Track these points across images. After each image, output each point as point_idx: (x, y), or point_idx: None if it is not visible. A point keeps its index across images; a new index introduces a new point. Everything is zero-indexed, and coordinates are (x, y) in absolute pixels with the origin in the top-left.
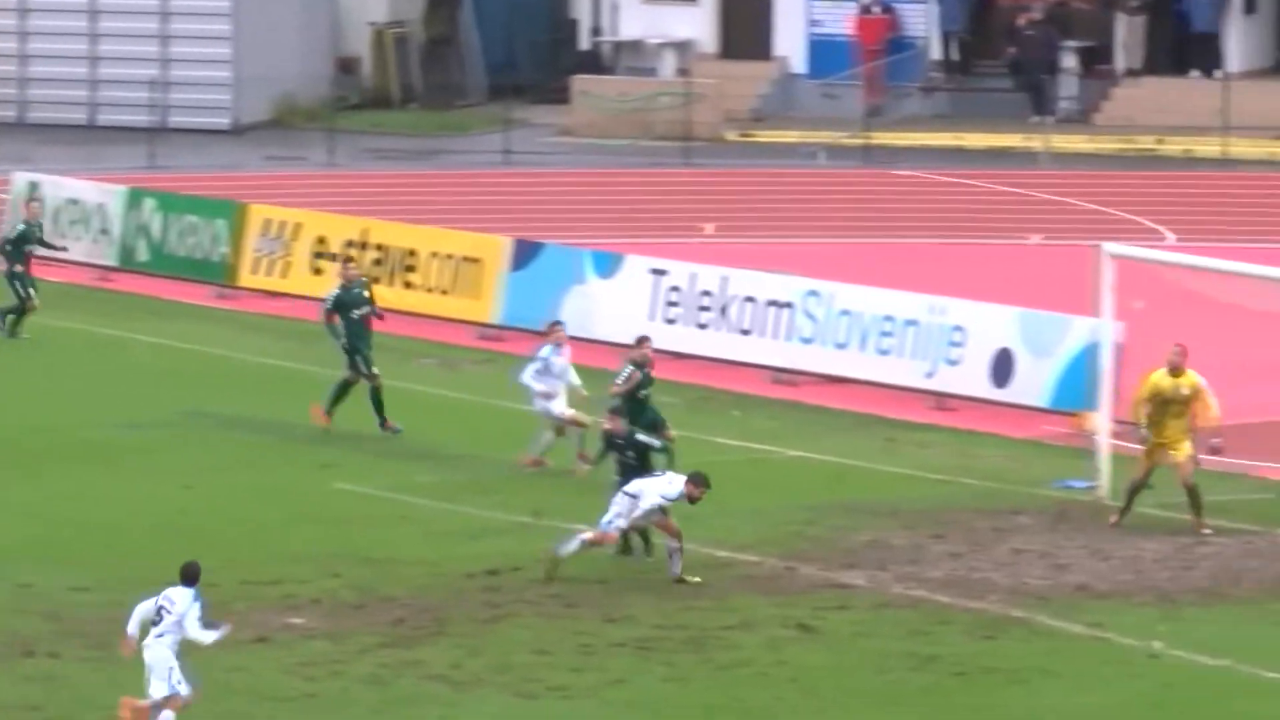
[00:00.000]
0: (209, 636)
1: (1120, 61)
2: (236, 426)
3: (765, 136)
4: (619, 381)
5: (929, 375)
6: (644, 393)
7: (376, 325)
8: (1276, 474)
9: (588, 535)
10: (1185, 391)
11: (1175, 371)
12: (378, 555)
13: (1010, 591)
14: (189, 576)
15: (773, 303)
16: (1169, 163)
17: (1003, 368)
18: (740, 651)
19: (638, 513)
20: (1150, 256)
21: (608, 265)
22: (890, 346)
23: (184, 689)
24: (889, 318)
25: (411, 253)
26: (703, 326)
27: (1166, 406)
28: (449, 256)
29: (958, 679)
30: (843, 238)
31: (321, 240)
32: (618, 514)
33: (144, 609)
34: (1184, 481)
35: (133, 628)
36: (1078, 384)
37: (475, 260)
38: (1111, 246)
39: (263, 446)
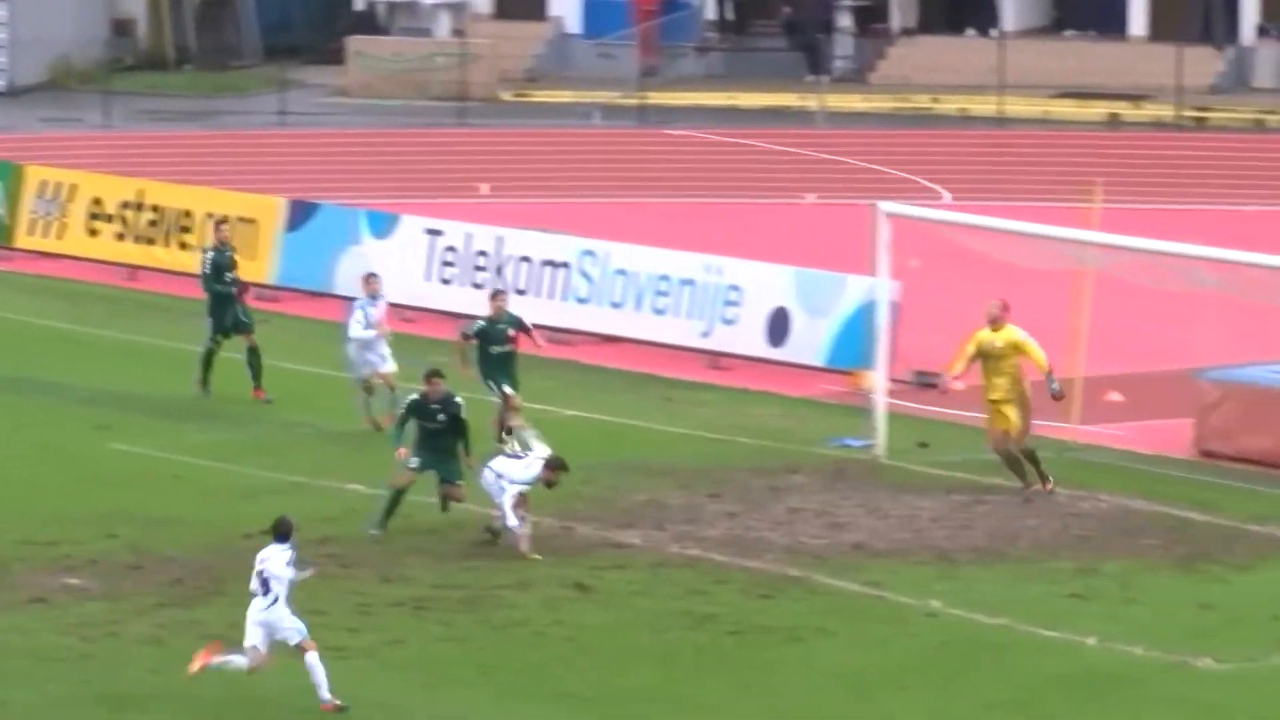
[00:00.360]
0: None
1: (895, 20)
2: (11, 388)
3: (541, 96)
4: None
5: (705, 335)
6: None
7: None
8: (1053, 432)
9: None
10: (999, 345)
11: (994, 325)
12: (155, 515)
13: (787, 550)
14: (284, 532)
15: (548, 263)
16: (945, 121)
17: (779, 327)
18: (517, 611)
19: (500, 492)
20: (926, 215)
21: (383, 226)
22: (666, 306)
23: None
24: (665, 277)
25: (187, 214)
26: (479, 286)
27: (988, 362)
28: (225, 218)
29: (734, 638)
30: (618, 197)
31: (97, 201)
32: (509, 503)
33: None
34: (1019, 449)
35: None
36: (854, 343)
37: (251, 221)
38: (887, 205)
39: (38, 408)
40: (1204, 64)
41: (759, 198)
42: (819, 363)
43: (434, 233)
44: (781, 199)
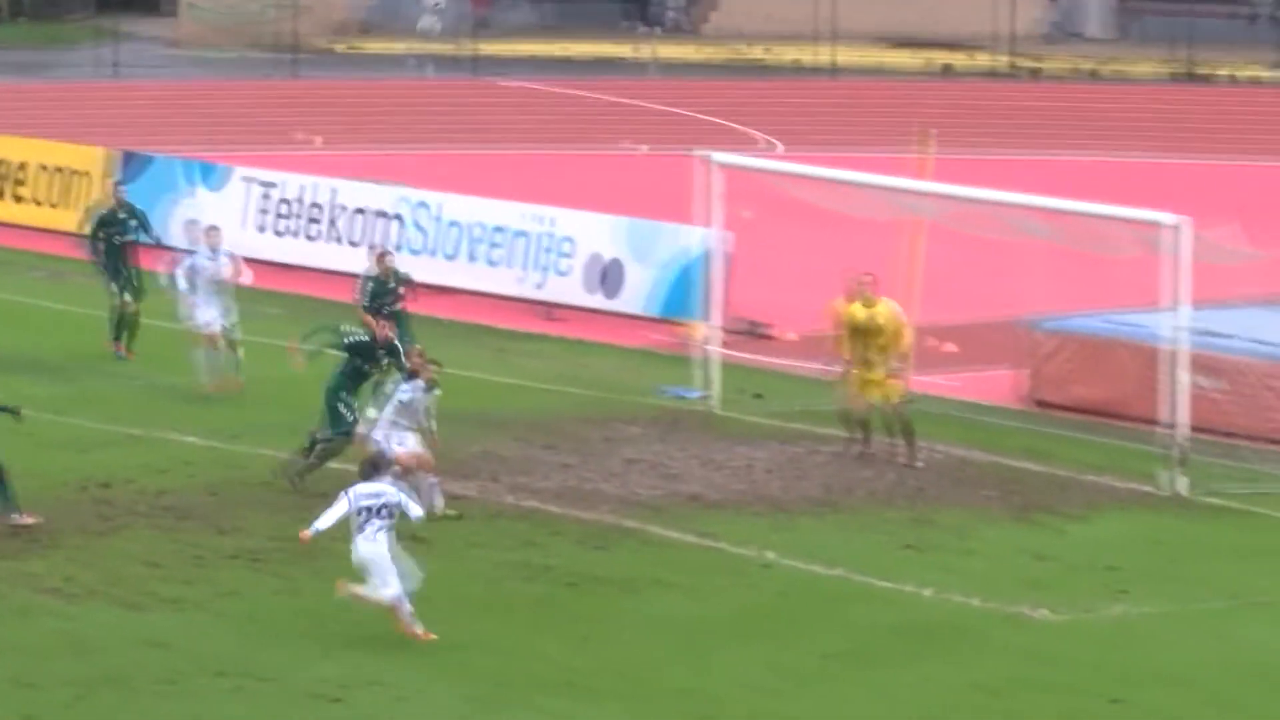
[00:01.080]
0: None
1: None
2: None
3: (373, 48)
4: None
5: (538, 286)
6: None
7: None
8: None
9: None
10: (879, 322)
11: (867, 303)
12: None
13: (622, 501)
14: (381, 468)
15: (382, 214)
16: (778, 72)
17: (611, 278)
18: (350, 562)
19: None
20: (758, 165)
21: (216, 177)
22: (499, 257)
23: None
24: (498, 229)
25: (21, 166)
26: (312, 238)
27: (863, 336)
28: (57, 169)
29: (570, 589)
30: (451, 149)
31: None
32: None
33: (340, 513)
34: (896, 415)
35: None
36: (686, 294)
37: (83, 173)
38: (720, 156)
39: None
40: (1034, 12)
41: (591, 149)
42: (652, 313)
43: (267, 184)
44: (614, 150)
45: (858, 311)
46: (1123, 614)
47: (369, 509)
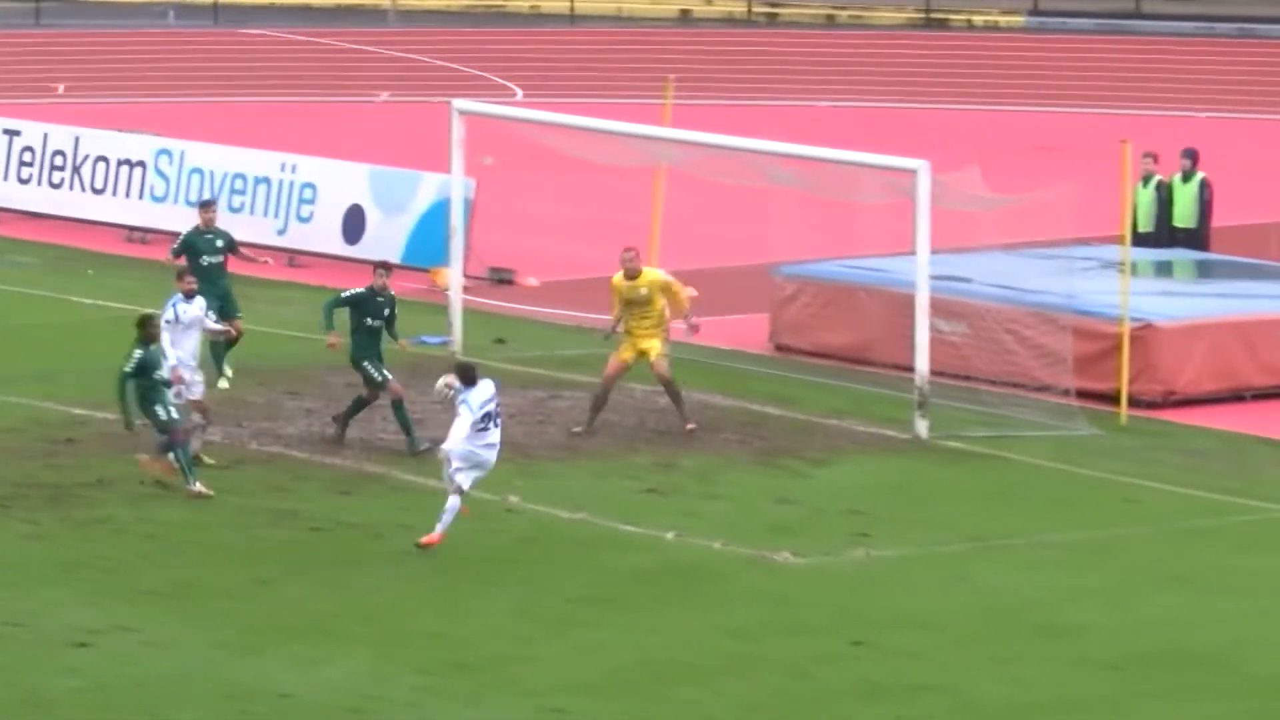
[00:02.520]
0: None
1: None
2: None
3: None
4: None
5: (281, 232)
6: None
7: None
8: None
9: None
10: (644, 292)
11: (630, 274)
12: None
13: (366, 447)
14: (476, 372)
15: (125, 162)
16: (516, 19)
17: (354, 224)
18: (100, 509)
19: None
20: (499, 112)
21: None
22: (242, 204)
23: None
24: (240, 175)
25: None
26: (56, 186)
27: (634, 307)
28: None
29: (316, 534)
30: (194, 97)
31: None
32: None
33: (468, 423)
34: (661, 378)
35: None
36: (430, 240)
37: None
38: (461, 103)
39: None
40: None
41: (333, 96)
42: (395, 260)
43: (11, 133)
44: (355, 97)
45: (624, 284)
46: (865, 557)
47: (488, 413)
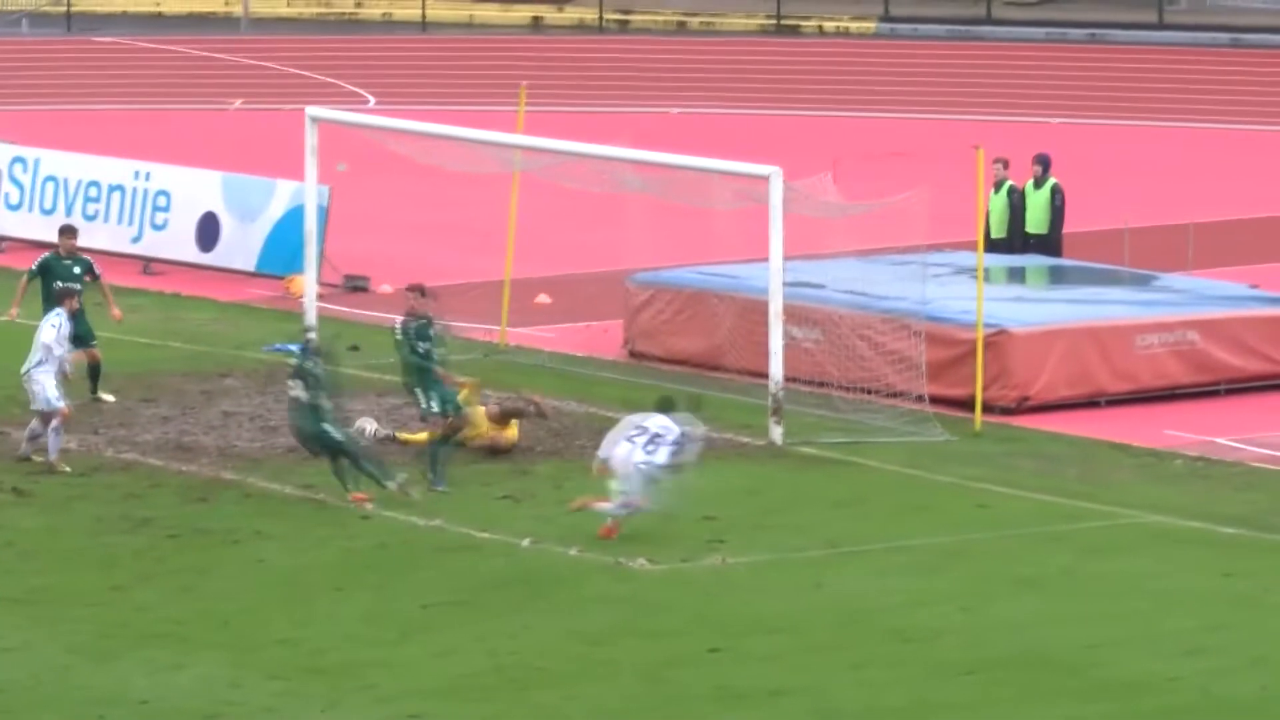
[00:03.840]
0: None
1: None
2: None
3: None
4: None
5: (136, 240)
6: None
7: None
8: (481, 335)
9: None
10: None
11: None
12: None
13: (222, 454)
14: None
15: None
16: (368, 27)
17: (208, 232)
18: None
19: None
20: (352, 120)
21: None
22: (97, 211)
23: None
24: (95, 183)
25: None
26: None
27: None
28: None
29: (172, 540)
30: (48, 105)
31: None
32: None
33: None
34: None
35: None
36: (284, 247)
37: None
38: (314, 110)
39: None
40: None
41: (186, 104)
42: (250, 267)
43: None
44: (208, 105)
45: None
46: (720, 563)
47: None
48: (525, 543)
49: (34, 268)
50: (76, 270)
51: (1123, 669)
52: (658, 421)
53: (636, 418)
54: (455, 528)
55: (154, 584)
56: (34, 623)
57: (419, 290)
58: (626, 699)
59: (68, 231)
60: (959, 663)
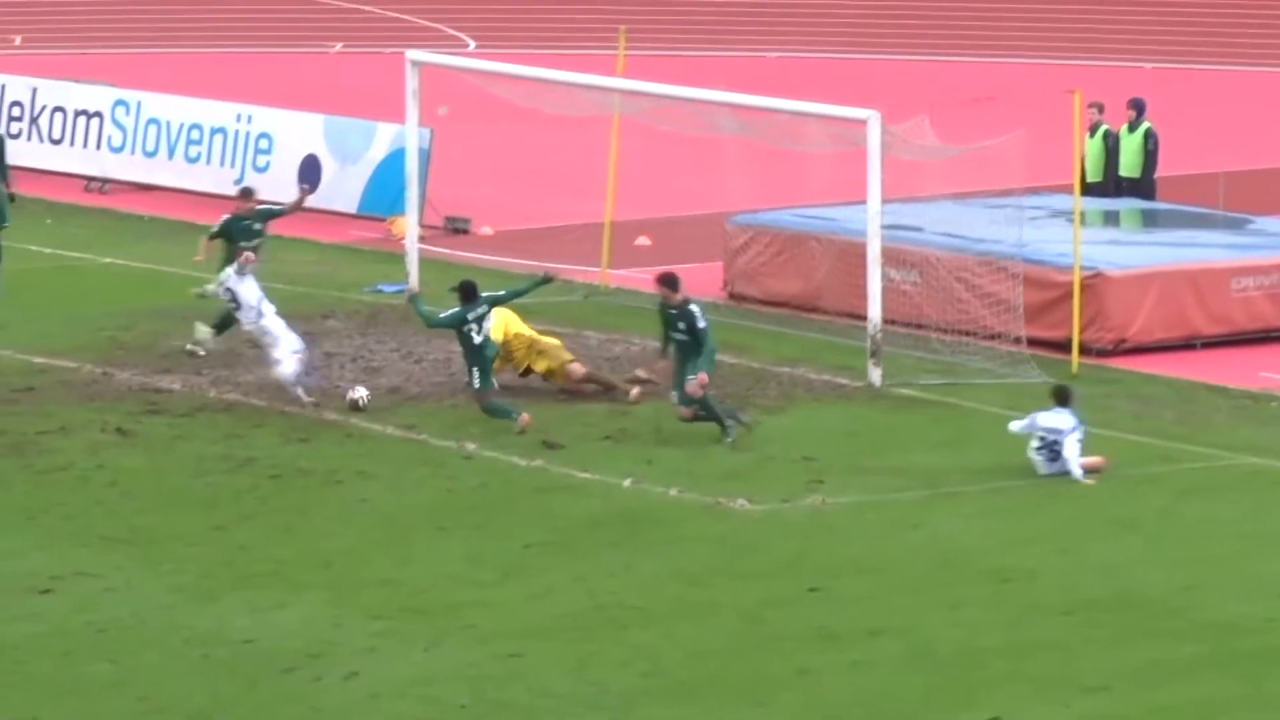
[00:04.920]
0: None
1: None
2: None
3: None
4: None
5: (238, 182)
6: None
7: None
8: (582, 276)
9: None
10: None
11: None
12: None
13: (324, 394)
14: (1065, 398)
15: (82, 112)
16: None
17: (310, 174)
18: (60, 456)
19: None
20: (454, 63)
21: None
22: (199, 154)
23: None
24: (197, 125)
25: None
26: (14, 136)
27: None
28: None
29: (274, 481)
30: (151, 48)
31: None
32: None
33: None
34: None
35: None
36: (386, 189)
37: None
38: (415, 53)
39: None
40: None
41: (287, 47)
42: (352, 209)
43: None
44: (309, 48)
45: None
46: (819, 504)
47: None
48: (625, 483)
49: (216, 228)
50: (256, 227)
51: (1218, 610)
52: (1054, 420)
53: (1043, 420)
54: (556, 468)
55: (256, 524)
56: (137, 562)
57: (670, 283)
58: (725, 638)
59: (247, 194)
60: (1055, 603)
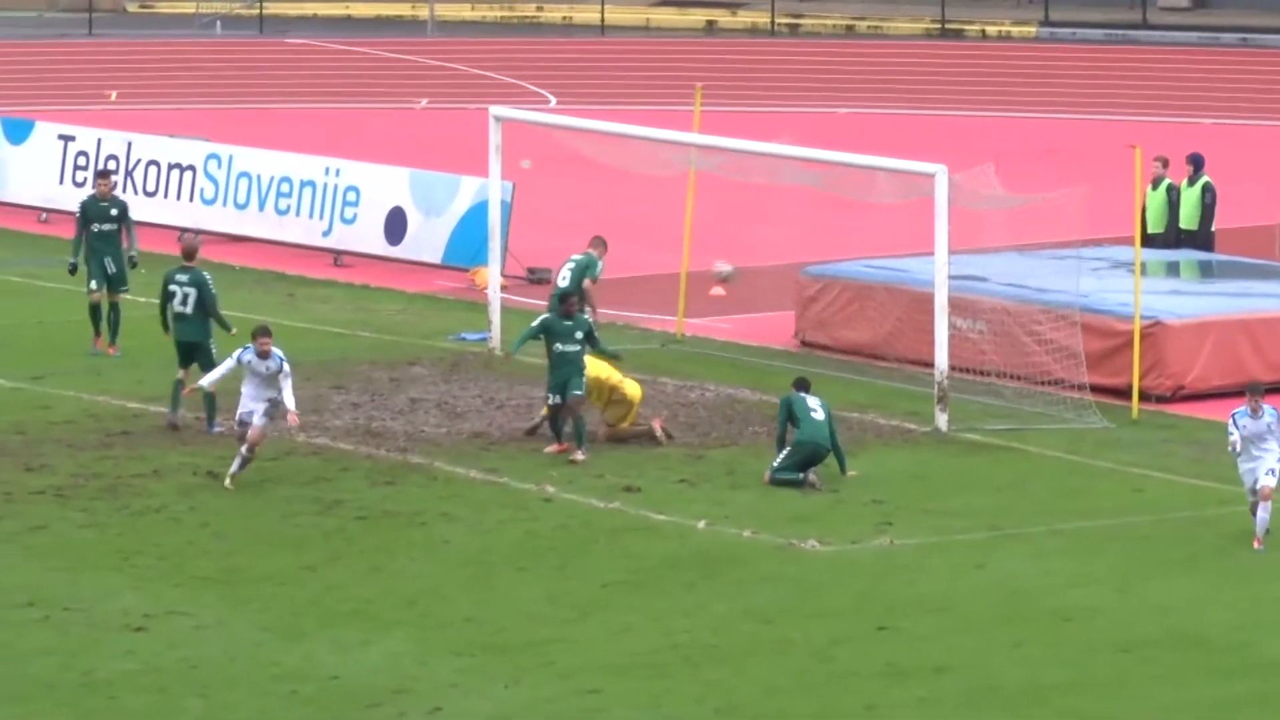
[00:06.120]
0: None
1: None
2: None
3: (165, 8)
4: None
5: (326, 234)
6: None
7: None
8: (658, 325)
9: None
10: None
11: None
12: None
13: (409, 439)
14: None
15: (176, 166)
16: (549, 29)
17: (396, 226)
18: (153, 498)
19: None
20: (534, 119)
21: (19, 132)
22: (288, 206)
23: None
24: (286, 179)
25: None
26: None
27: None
28: None
29: (360, 522)
30: (242, 104)
31: None
32: None
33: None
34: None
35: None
36: (469, 240)
37: None
38: (498, 109)
39: None
40: None
41: (374, 103)
42: (436, 260)
43: (66, 138)
44: (395, 104)
45: None
46: (887, 545)
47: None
48: (700, 524)
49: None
50: (113, 212)
51: (1272, 649)
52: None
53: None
54: (633, 510)
55: (343, 564)
56: (228, 601)
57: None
58: (795, 675)
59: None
60: (1114, 641)
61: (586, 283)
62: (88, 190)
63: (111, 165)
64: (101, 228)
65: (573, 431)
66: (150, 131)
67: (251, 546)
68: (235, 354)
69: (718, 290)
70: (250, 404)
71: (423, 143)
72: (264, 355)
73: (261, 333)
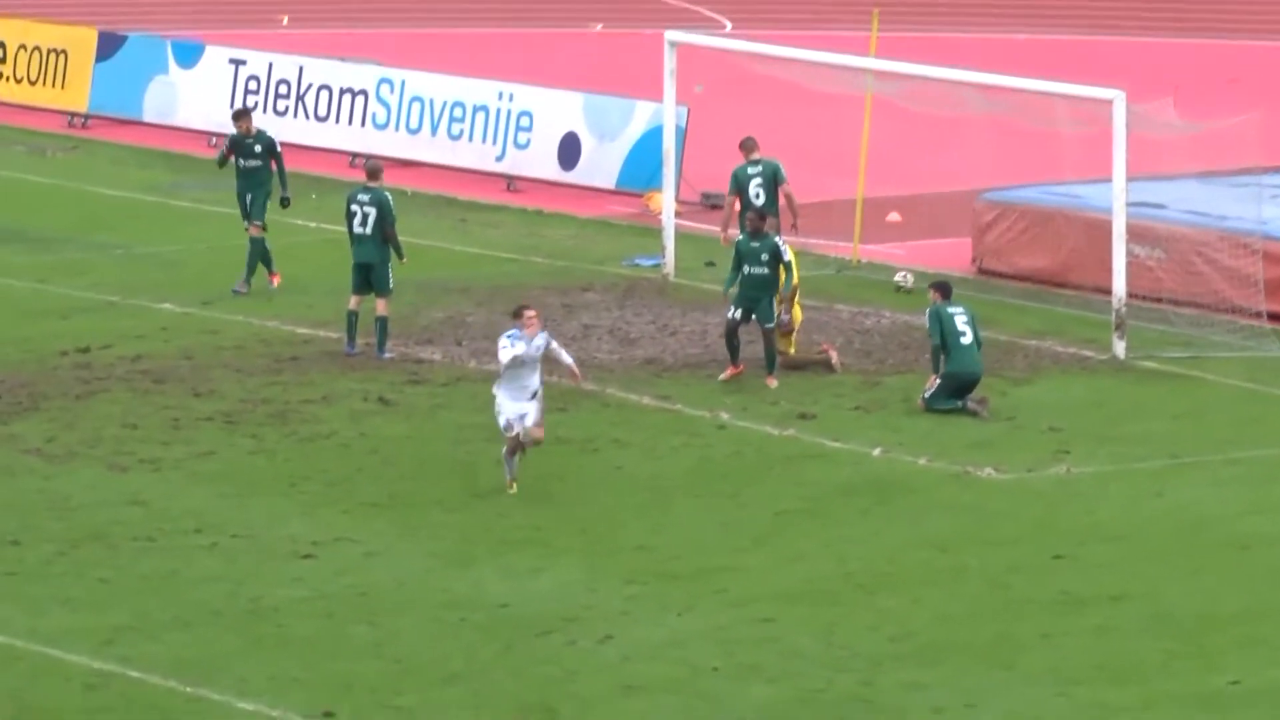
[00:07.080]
0: None
1: None
2: None
3: None
4: None
5: (499, 159)
6: None
7: None
8: (835, 250)
9: None
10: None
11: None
12: None
13: (581, 365)
14: None
15: (347, 90)
16: None
17: (569, 151)
18: (322, 424)
19: None
20: (711, 43)
21: (189, 55)
22: (461, 131)
23: None
24: (459, 103)
25: (2, 44)
26: (281, 114)
27: None
28: (37, 48)
29: (532, 449)
30: (413, 27)
31: None
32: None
33: None
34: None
35: None
36: (643, 165)
37: (62, 51)
38: (674, 34)
39: None
40: None
41: (548, 26)
42: (609, 185)
43: (237, 62)
44: (569, 27)
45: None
46: (1065, 473)
47: None
48: (875, 452)
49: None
50: (257, 149)
51: None
52: None
53: None
54: (808, 437)
55: (514, 491)
56: (397, 528)
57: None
58: (970, 603)
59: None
60: None
61: (786, 189)
62: (259, 115)
63: (282, 90)
64: (246, 164)
65: (764, 357)
66: (322, 55)
67: (421, 473)
68: (505, 348)
69: (893, 216)
70: (512, 407)
71: (597, 67)
72: (530, 333)
73: (524, 309)
